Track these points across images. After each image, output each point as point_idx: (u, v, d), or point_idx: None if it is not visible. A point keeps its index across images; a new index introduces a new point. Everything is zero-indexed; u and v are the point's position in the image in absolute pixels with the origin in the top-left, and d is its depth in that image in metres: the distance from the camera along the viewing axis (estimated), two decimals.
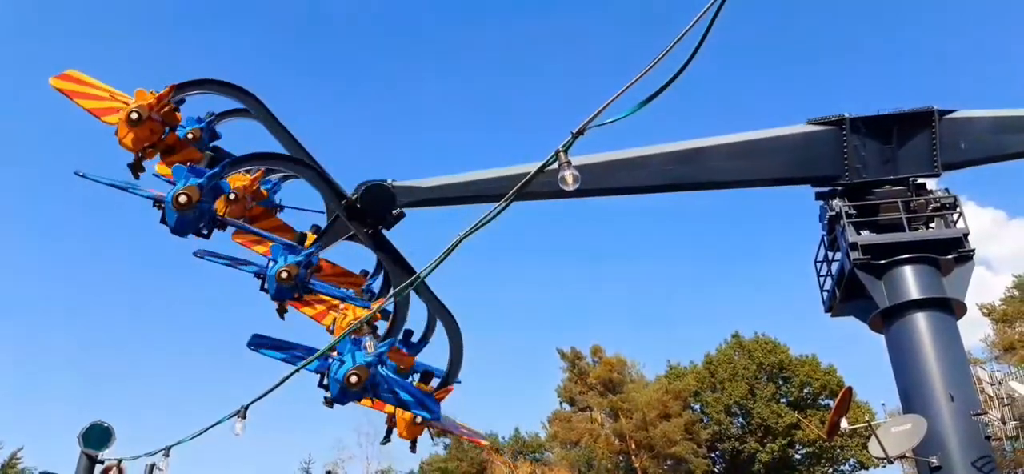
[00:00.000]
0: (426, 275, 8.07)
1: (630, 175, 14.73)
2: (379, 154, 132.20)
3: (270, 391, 10.04)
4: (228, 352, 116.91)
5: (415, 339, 13.45)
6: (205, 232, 11.46)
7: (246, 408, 10.92)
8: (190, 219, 11.05)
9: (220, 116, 13.51)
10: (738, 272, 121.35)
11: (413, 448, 12.99)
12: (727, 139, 15.43)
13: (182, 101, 12.57)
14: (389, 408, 12.46)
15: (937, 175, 16.10)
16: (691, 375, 72.66)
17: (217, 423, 11.65)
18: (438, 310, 13.03)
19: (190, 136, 12.94)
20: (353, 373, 10.69)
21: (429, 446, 74.89)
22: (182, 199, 10.72)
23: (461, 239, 9.88)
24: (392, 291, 13.09)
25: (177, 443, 14.00)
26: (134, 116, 11.71)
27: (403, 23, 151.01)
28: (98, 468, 16.83)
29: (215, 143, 13.49)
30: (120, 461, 16.71)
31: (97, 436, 16.80)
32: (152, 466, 16.26)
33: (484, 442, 13.90)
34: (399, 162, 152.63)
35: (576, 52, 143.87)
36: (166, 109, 12.26)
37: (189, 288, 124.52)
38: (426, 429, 12.88)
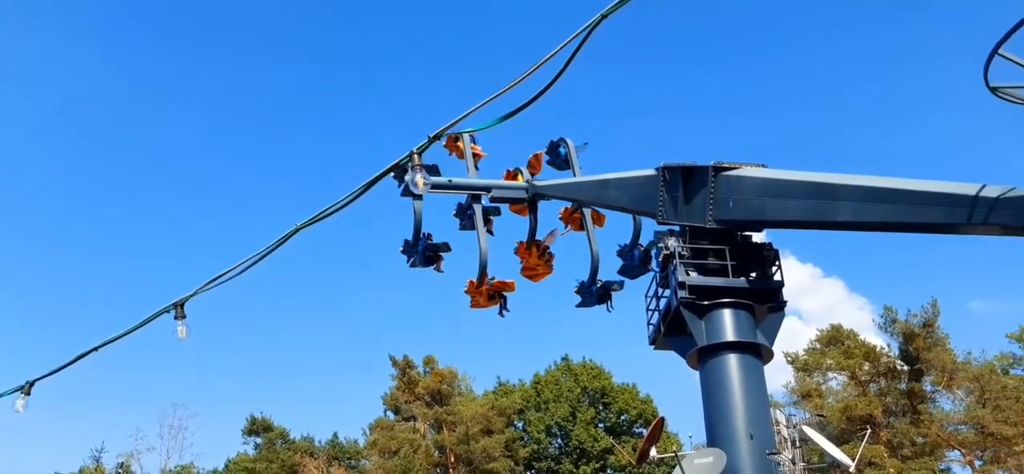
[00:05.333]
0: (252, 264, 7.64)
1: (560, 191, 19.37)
2: None
3: (61, 368, 9.08)
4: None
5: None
6: None
7: (31, 384, 9.85)
8: None
9: None
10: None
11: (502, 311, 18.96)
12: (614, 175, 18.36)
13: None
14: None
15: (704, 230, 16.23)
16: (518, 393, 74.10)
17: None
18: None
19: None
20: None
21: (239, 445, 71.42)
22: None
23: (295, 230, 9.43)
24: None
25: None
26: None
27: None
28: None
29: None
30: None
31: None
32: None
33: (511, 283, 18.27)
34: None
35: None
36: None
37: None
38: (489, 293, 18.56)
